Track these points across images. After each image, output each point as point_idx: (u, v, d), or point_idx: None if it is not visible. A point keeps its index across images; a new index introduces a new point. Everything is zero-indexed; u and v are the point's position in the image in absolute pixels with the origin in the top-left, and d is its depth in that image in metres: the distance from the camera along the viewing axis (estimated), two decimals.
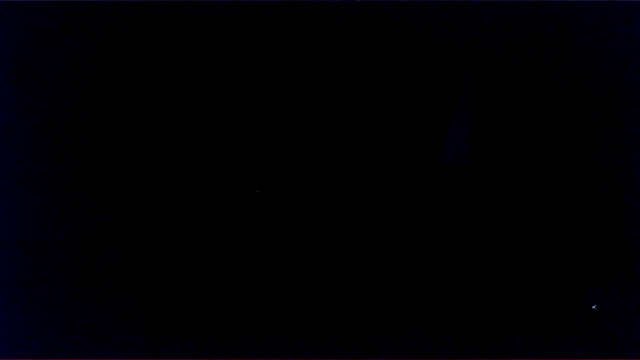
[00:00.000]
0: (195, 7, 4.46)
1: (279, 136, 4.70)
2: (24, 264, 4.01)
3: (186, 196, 4.46)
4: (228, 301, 4.26)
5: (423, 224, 4.40)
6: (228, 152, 4.56)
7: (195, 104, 4.56)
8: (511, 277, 4.32)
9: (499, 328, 4.14)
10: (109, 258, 4.19)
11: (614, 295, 4.06)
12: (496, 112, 4.77)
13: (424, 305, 4.18)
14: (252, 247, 4.45)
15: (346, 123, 4.70)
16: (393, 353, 4.03)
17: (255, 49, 4.72)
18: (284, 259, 4.45)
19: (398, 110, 4.89)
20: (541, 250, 4.46)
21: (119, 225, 4.28)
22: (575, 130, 4.49)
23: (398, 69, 4.86)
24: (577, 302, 4.07)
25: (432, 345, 4.06)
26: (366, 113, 4.71)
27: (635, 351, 3.73)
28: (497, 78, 4.75)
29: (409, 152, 4.93)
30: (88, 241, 4.23)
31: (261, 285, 4.37)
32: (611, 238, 4.28)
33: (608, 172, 4.34)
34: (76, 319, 3.99)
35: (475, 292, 4.27)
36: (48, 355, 3.84)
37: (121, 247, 4.26)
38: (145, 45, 4.48)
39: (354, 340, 4.10)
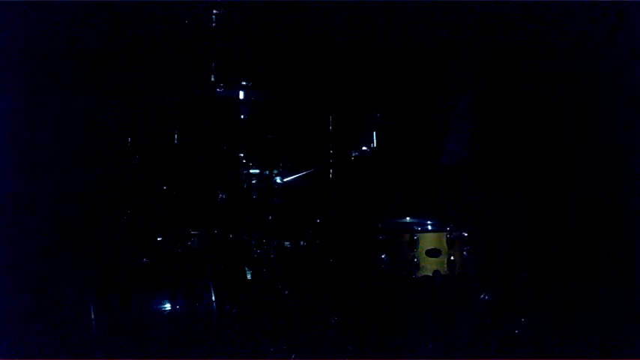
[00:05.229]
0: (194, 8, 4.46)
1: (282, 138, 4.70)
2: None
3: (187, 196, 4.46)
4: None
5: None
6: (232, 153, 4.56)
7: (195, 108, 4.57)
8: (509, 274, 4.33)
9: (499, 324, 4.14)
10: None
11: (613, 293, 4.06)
12: (495, 115, 4.77)
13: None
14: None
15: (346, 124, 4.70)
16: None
17: (257, 50, 4.72)
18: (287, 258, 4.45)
19: (399, 113, 4.89)
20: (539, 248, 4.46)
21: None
22: (573, 130, 4.49)
23: (397, 71, 4.86)
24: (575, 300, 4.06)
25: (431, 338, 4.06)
26: (367, 115, 4.70)
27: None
28: (496, 80, 4.74)
29: (412, 154, 4.93)
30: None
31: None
32: (608, 237, 4.27)
33: (607, 172, 4.34)
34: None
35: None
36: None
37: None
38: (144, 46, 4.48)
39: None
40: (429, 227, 4.24)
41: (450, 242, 4.17)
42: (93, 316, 3.87)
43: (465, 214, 4.44)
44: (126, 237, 4.26)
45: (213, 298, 4.01)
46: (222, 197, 4.41)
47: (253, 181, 4.43)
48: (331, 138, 4.59)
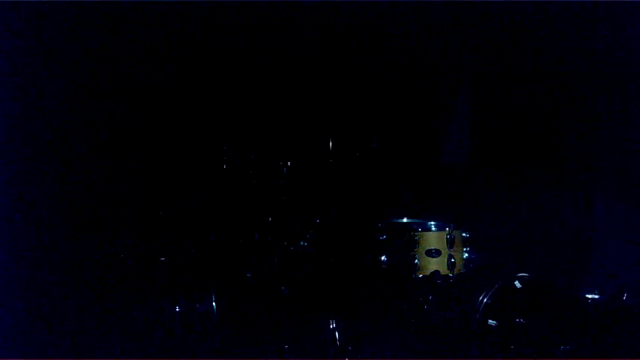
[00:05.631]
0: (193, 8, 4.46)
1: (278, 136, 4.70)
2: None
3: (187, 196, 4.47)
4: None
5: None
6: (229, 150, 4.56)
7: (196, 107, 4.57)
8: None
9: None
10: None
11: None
12: (494, 114, 4.77)
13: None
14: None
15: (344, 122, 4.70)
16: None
17: (257, 50, 4.73)
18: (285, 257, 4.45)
19: (398, 112, 4.89)
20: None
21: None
22: (572, 129, 4.49)
23: (397, 71, 4.86)
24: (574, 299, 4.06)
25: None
26: (366, 114, 4.71)
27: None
28: (494, 79, 4.75)
29: (411, 153, 4.93)
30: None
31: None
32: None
33: (607, 172, 4.34)
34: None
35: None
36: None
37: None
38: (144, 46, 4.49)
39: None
40: (430, 227, 4.24)
41: (450, 242, 4.17)
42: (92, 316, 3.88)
43: (465, 213, 4.44)
44: (127, 237, 4.26)
45: (213, 298, 4.02)
46: (222, 198, 4.41)
47: (254, 182, 4.43)
48: (331, 138, 4.60)
